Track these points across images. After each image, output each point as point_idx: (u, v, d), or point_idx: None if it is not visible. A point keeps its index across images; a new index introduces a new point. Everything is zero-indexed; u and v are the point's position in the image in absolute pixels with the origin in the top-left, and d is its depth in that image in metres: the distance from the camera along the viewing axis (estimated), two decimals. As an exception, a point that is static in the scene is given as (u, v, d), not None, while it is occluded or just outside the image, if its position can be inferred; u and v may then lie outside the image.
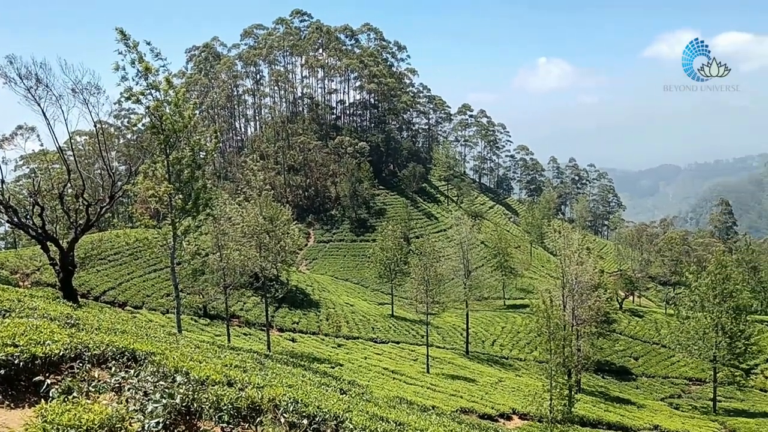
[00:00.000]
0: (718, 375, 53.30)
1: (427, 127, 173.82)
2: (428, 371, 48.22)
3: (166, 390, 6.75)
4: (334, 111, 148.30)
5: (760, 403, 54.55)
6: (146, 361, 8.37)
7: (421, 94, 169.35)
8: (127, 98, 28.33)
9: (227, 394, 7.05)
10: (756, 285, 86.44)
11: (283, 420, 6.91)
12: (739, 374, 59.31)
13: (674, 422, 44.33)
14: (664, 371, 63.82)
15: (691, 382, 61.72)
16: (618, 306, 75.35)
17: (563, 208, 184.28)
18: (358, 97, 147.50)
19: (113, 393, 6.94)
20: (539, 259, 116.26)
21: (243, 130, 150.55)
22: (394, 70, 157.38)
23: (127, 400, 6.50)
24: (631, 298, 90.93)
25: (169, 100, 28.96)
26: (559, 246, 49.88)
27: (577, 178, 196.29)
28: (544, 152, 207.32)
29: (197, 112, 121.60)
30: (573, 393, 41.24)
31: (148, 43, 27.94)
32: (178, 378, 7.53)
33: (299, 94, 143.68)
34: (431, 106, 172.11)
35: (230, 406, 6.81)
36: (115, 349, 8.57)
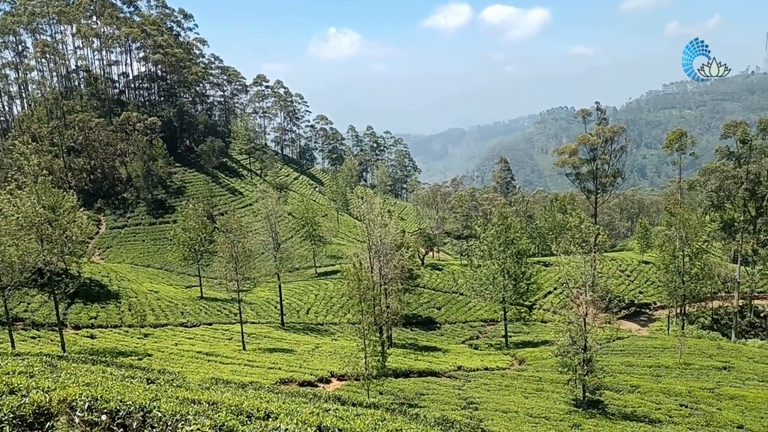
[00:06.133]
0: (507, 314, 59.95)
1: (222, 99, 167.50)
2: (244, 348, 47.54)
3: (-75, 411, 5.73)
4: (117, 85, 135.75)
5: (541, 333, 62.61)
6: None
7: (213, 65, 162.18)
8: None
9: (7, 402, 6.19)
10: (532, 231, 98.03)
11: (78, 420, 6.24)
12: (524, 311, 67.33)
13: (474, 361, 49.18)
14: (464, 317, 70.15)
15: (486, 324, 68.67)
16: (420, 262, 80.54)
17: (365, 175, 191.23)
18: (143, 69, 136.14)
19: None
20: (346, 225, 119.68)
21: (7, 109, 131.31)
22: (182, 39, 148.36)
23: None
24: (431, 253, 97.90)
25: None
26: (363, 211, 51.69)
27: (375, 145, 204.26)
28: (343, 121, 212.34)
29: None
30: (385, 348, 43.50)
31: None
32: (-58, 396, 6.46)
33: (73, 67, 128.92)
34: (225, 77, 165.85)
35: (11, 416, 5.98)
36: None
